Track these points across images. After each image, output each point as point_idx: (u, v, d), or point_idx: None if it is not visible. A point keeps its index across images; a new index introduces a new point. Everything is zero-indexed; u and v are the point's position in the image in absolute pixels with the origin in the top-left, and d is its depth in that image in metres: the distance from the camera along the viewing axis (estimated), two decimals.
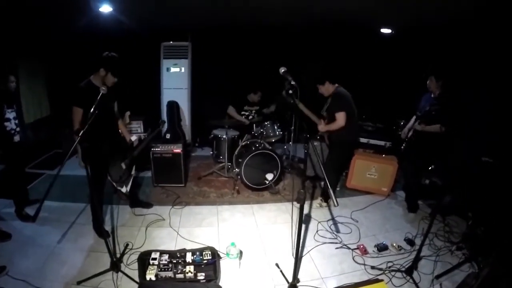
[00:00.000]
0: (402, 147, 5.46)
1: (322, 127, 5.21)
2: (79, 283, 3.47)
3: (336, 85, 5.08)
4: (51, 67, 8.08)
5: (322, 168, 3.01)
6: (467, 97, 5.61)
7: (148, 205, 5.29)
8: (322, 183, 5.81)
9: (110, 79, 3.99)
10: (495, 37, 5.55)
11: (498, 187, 4.54)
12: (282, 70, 3.21)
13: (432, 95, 5.09)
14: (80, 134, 3.03)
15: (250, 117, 6.98)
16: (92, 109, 3.18)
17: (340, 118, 4.90)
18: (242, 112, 7.02)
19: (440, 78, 4.93)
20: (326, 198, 5.59)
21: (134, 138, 4.73)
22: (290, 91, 3.14)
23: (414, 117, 5.43)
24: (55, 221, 4.72)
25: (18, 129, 4.64)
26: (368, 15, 5.52)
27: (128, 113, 5.14)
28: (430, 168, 5.73)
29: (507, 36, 5.29)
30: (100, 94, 3.32)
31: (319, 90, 5.14)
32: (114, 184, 4.41)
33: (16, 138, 4.63)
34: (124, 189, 4.57)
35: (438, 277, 3.81)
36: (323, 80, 5.01)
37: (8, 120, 4.47)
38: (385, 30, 6.81)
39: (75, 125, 3.83)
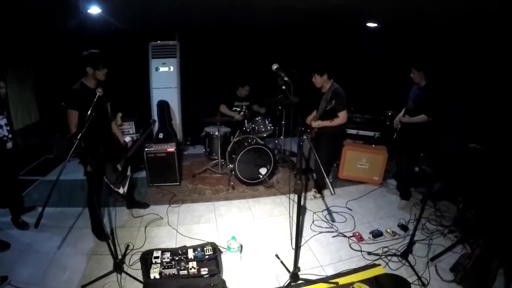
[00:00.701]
0: (394, 137, 5.54)
1: (318, 123, 5.22)
2: (83, 287, 3.49)
3: (331, 80, 5.14)
4: (38, 71, 7.99)
5: (318, 159, 3.08)
6: (454, 85, 5.73)
7: (144, 205, 5.30)
8: (314, 175, 5.88)
9: (100, 73, 3.95)
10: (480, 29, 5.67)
11: (485, 172, 4.67)
12: (275, 67, 3.27)
13: (418, 86, 5.15)
14: (79, 137, 3.05)
15: (242, 113, 7.04)
16: (89, 111, 3.20)
17: (344, 116, 5.04)
18: (234, 108, 7.10)
19: (420, 68, 4.98)
20: (319, 189, 5.69)
21: (128, 139, 4.71)
22: (284, 87, 3.20)
23: (405, 109, 5.50)
24: (53, 227, 4.71)
25: (10, 135, 4.57)
26: (355, 9, 5.57)
27: (120, 115, 5.13)
28: (419, 155, 5.86)
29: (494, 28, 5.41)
30: (97, 96, 3.34)
31: (314, 79, 5.14)
32: (111, 185, 4.40)
33: (9, 145, 4.55)
34: (121, 190, 4.57)
35: (432, 259, 3.92)
36: (323, 72, 5.04)
37: (0, 126, 4.42)
38: (371, 24, 6.87)
39: (71, 129, 3.84)
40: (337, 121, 5.07)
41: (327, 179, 2.93)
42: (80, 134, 3.06)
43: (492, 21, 5.10)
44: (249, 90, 7.08)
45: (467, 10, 4.74)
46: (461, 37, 6.15)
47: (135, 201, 5.31)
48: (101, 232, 4.25)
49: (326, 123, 5.14)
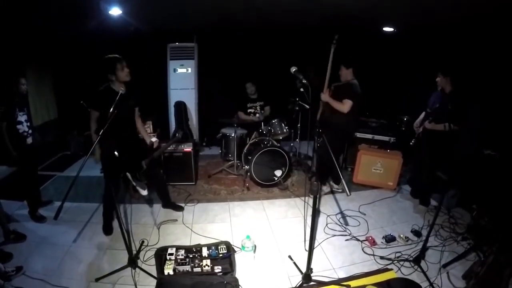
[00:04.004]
0: (412, 143, 5.49)
1: (325, 96, 5.24)
2: (97, 280, 3.56)
3: (354, 77, 5.20)
4: (58, 69, 8.16)
5: (333, 156, 3.10)
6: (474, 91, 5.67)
7: (179, 208, 5.30)
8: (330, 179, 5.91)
9: (122, 75, 4.00)
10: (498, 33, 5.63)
11: (499, 179, 4.64)
12: (293, 70, 3.31)
13: (442, 92, 5.08)
14: (100, 133, 3.12)
15: (258, 114, 7.10)
16: (111, 109, 3.27)
17: (347, 105, 5.02)
18: (249, 110, 7.19)
19: (447, 73, 4.91)
20: (337, 181, 5.82)
21: (154, 139, 4.71)
22: (301, 89, 3.24)
23: (424, 113, 5.47)
24: (69, 221, 4.80)
25: (30, 131, 4.72)
26: (373, 13, 5.57)
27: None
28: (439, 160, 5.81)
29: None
30: (119, 94, 3.41)
31: (341, 71, 5.24)
32: (134, 184, 4.39)
33: (29, 140, 4.70)
34: (144, 193, 4.52)
35: (445, 265, 3.91)
36: (351, 65, 5.15)
37: (20, 123, 4.54)
38: (388, 29, 6.87)
39: (91, 126, 3.93)
40: (339, 106, 5.08)
41: (343, 180, 2.95)
42: (102, 130, 3.13)
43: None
44: (254, 87, 7.24)
45: (486, 10, 4.72)
46: (476, 41, 6.11)
47: (170, 202, 5.32)
48: (108, 226, 4.55)
49: (330, 101, 5.17)
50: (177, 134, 5.42)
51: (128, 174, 4.28)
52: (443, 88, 5.04)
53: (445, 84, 4.97)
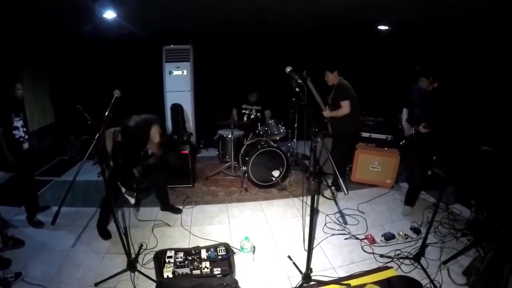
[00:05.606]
0: (402, 143, 5.48)
1: (327, 113, 5.44)
2: (96, 284, 3.54)
3: (341, 77, 5.29)
4: (54, 74, 8.12)
5: (331, 159, 3.08)
6: (466, 88, 5.67)
7: (177, 210, 5.29)
8: (329, 179, 5.90)
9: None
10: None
11: (498, 175, 4.64)
12: (288, 70, 3.30)
13: (425, 89, 5.02)
14: (96, 137, 3.11)
15: (252, 116, 7.13)
16: (106, 112, 3.25)
17: (345, 106, 5.12)
18: (243, 111, 7.23)
19: (428, 74, 4.80)
20: (338, 187, 5.74)
21: (149, 145, 4.74)
22: (297, 89, 3.22)
23: (406, 110, 5.33)
24: (67, 226, 4.78)
25: (26, 136, 4.69)
26: (368, 11, 5.57)
27: None
28: (432, 159, 5.81)
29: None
30: (114, 97, 3.39)
31: (326, 77, 5.33)
32: (123, 190, 4.39)
33: (25, 145, 4.67)
34: (132, 201, 4.55)
35: (445, 262, 3.91)
36: (334, 68, 5.21)
37: (17, 128, 4.50)
38: (383, 27, 6.88)
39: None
40: (341, 111, 5.19)
41: (340, 179, 2.94)
42: (98, 134, 3.11)
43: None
44: (257, 96, 7.25)
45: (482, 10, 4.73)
46: (475, 38, 6.12)
47: (169, 205, 5.32)
48: (104, 231, 4.52)
49: (333, 113, 5.33)
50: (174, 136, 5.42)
51: (118, 182, 4.26)
52: (430, 88, 4.96)
53: (429, 84, 4.83)
